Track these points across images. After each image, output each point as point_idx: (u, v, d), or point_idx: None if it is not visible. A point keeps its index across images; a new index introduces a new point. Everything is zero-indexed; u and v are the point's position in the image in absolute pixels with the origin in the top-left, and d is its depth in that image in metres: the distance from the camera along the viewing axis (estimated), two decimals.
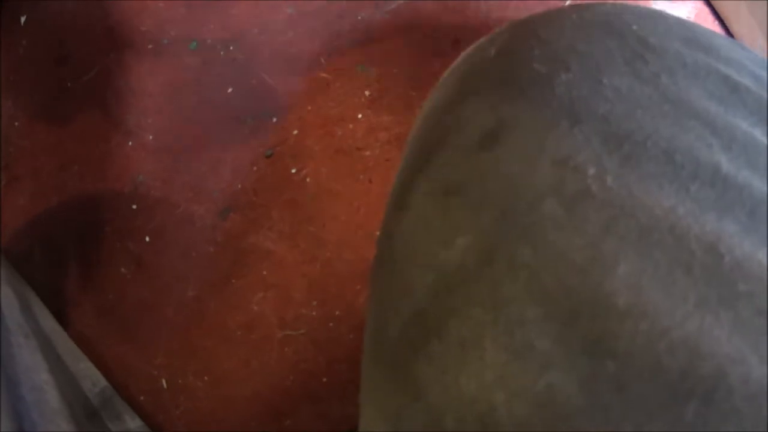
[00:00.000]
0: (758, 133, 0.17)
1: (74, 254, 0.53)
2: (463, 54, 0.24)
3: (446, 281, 0.17)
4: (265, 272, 0.49)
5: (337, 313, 0.47)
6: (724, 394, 0.12)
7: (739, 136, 0.17)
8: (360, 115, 0.53)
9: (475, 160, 0.18)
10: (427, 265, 0.18)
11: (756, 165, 0.16)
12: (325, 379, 0.46)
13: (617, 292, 0.14)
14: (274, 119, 0.54)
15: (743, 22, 0.53)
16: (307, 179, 0.52)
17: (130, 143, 0.56)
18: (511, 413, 0.14)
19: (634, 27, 0.19)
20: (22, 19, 0.63)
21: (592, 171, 0.16)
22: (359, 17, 0.55)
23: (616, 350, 0.13)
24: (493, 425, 0.14)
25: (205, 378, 0.48)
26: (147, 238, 0.52)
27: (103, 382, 0.48)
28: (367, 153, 0.51)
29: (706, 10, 0.56)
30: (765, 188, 0.15)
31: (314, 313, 0.48)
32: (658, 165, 0.16)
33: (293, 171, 0.52)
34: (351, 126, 0.52)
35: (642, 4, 0.50)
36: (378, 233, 0.22)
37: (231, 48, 0.57)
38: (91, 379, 0.48)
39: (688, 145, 0.16)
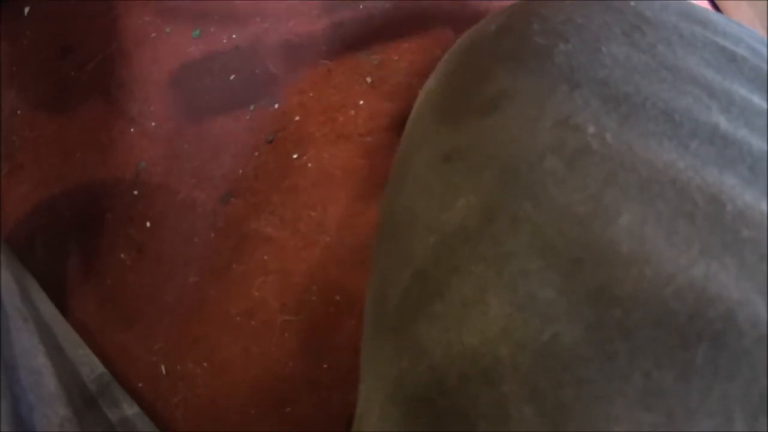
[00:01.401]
0: (756, 98, 0.17)
1: (75, 241, 0.53)
2: (464, 34, 0.24)
3: (448, 242, 0.17)
4: (265, 257, 0.49)
5: (337, 298, 0.47)
6: (734, 337, 0.12)
7: (738, 99, 0.17)
8: (361, 102, 0.53)
9: (475, 126, 0.18)
10: (427, 228, 0.18)
11: (754, 125, 0.16)
12: (325, 366, 0.46)
13: (620, 240, 0.14)
14: (276, 105, 0.54)
15: (743, 15, 0.54)
16: (309, 165, 0.52)
17: (132, 130, 0.56)
18: (515, 365, 0.14)
19: (632, 3, 0.20)
20: (26, 10, 0.63)
21: (591, 129, 0.16)
22: (361, 6, 0.56)
23: (621, 296, 0.13)
24: (497, 379, 0.14)
25: (205, 365, 0.48)
26: (148, 224, 0.52)
27: (101, 368, 0.48)
28: (369, 139, 0.51)
29: (705, 2, 0.56)
30: (764, 146, 0.15)
31: (315, 299, 0.48)
32: (657, 124, 0.16)
33: (295, 156, 0.52)
34: (352, 112, 0.52)
35: None
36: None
37: (234, 36, 0.57)
38: (90, 365, 0.48)
39: (687, 107, 0.16)
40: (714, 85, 0.17)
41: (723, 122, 0.16)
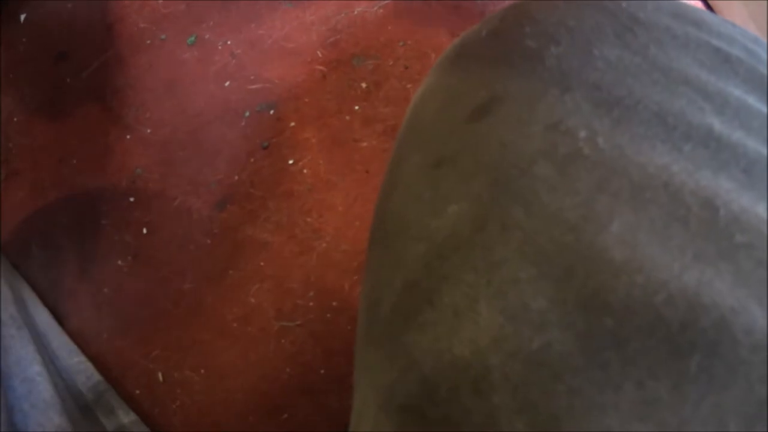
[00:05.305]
0: (752, 99, 0.17)
1: (71, 247, 0.53)
2: (456, 39, 0.24)
3: (438, 250, 0.17)
4: (262, 263, 0.49)
5: (334, 304, 0.47)
6: (728, 346, 0.12)
7: (732, 101, 0.17)
8: (356, 107, 0.53)
9: (466, 131, 0.18)
10: (418, 236, 0.18)
11: (749, 127, 0.16)
12: (322, 371, 0.46)
13: (612, 247, 0.13)
14: (271, 111, 0.54)
15: (737, 14, 0.54)
16: (304, 170, 0.52)
17: (128, 137, 0.56)
18: (506, 375, 0.13)
19: (624, 4, 0.19)
20: (22, 17, 0.63)
21: (583, 134, 0.16)
22: (356, 11, 0.56)
23: (612, 305, 0.13)
24: (488, 390, 0.13)
25: (202, 371, 0.48)
26: (144, 231, 0.52)
27: (96, 376, 0.48)
28: (364, 144, 0.51)
29: (698, 2, 0.57)
30: (760, 148, 0.15)
31: (311, 304, 0.47)
32: (649, 127, 0.16)
33: (290, 162, 0.52)
34: (348, 118, 0.52)
35: None
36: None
37: (228, 42, 0.57)
38: (85, 373, 0.48)
39: (680, 109, 0.16)
40: (708, 86, 0.17)
41: (717, 124, 0.16)
